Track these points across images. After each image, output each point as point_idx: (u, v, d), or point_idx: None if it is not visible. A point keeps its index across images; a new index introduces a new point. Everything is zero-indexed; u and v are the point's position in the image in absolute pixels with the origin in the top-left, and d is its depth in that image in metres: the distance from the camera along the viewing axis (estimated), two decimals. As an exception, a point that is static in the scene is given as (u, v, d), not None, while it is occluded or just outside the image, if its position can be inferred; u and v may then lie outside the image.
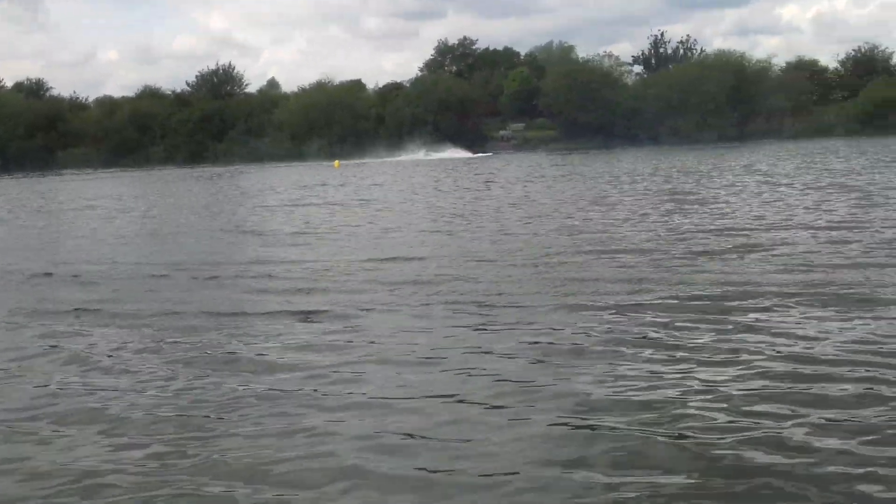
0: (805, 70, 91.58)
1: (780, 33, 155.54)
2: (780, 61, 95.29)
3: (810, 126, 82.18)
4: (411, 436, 6.07)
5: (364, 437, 6.06)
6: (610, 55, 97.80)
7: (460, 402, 6.78)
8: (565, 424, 6.17)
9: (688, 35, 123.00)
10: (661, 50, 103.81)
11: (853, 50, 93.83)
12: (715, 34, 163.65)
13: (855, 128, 78.67)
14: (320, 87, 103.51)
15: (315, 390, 7.19)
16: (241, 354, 8.48)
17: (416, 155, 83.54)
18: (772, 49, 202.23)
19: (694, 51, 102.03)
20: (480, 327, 9.31)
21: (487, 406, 6.66)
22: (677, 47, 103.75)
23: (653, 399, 6.61)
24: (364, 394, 7.04)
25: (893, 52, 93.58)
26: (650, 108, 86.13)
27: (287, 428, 6.27)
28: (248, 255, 16.41)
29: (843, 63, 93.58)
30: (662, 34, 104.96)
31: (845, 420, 5.97)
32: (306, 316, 10.12)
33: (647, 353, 7.90)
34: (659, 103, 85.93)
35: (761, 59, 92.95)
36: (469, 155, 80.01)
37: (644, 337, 8.52)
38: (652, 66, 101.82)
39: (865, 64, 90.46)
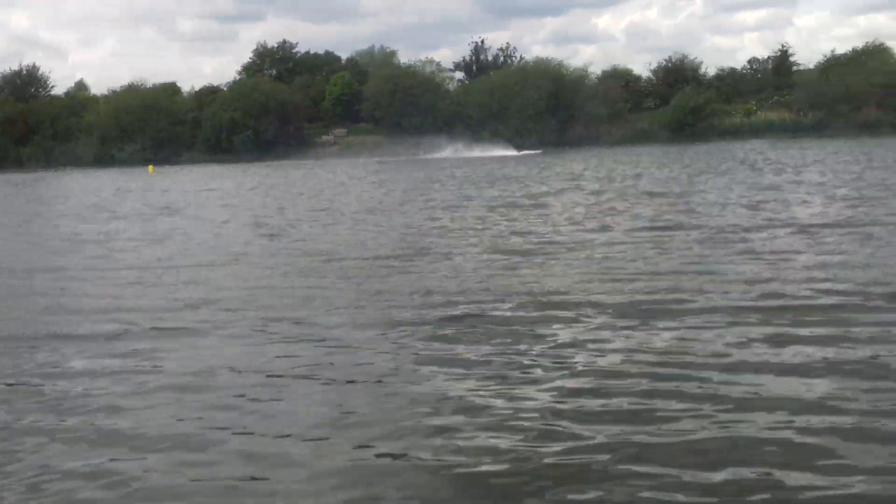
0: (620, 79, 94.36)
1: (596, 42, 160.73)
2: (596, 69, 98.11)
3: (626, 134, 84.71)
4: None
5: (134, 478, 5.32)
6: (431, 61, 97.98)
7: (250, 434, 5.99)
8: (363, 458, 5.59)
9: (507, 42, 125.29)
10: (482, 57, 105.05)
11: (664, 59, 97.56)
12: (534, 42, 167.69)
13: (666, 135, 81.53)
14: (132, 90, 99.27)
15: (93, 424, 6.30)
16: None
17: (443, 152, 79.58)
18: (589, 57, 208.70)
19: (514, 58, 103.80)
20: (286, 349, 8.45)
21: (283, 436, 5.96)
22: (497, 54, 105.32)
23: (441, 425, 6.08)
24: (140, 430, 6.22)
25: (702, 62, 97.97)
26: (471, 114, 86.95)
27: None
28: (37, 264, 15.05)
29: (654, 72, 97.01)
30: (483, 41, 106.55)
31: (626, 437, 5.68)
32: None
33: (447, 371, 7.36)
34: (480, 109, 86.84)
35: (578, 68, 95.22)
36: (515, 153, 75.94)
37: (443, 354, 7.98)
38: (473, 72, 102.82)
39: (676, 73, 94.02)
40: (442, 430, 5.99)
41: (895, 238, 14.17)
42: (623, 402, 6.44)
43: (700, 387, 6.71)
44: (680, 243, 14.63)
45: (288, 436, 6.04)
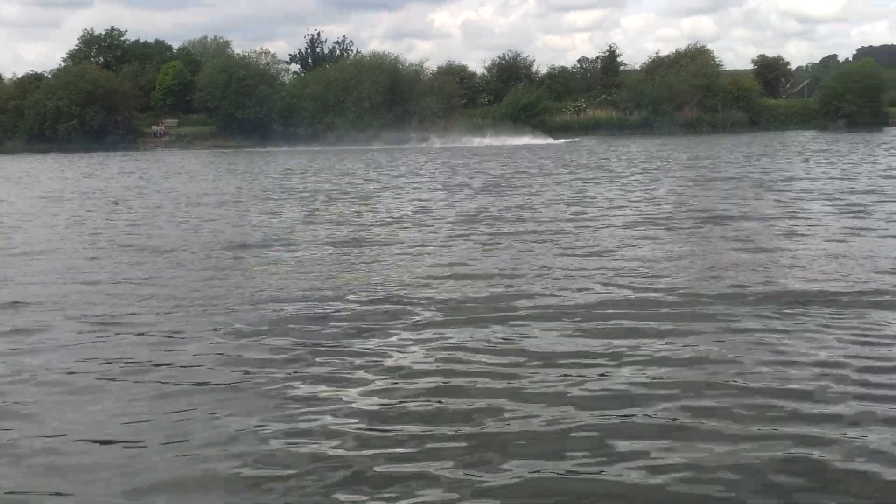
0: (455, 74, 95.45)
1: (432, 38, 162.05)
2: (432, 65, 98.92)
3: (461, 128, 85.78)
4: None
5: None
6: (266, 52, 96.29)
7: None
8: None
9: (344, 36, 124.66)
10: (318, 49, 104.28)
11: (498, 57, 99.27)
12: (371, 36, 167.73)
13: (502, 130, 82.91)
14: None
15: None
16: None
17: (475, 141, 76.04)
18: (425, 53, 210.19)
19: (350, 52, 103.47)
20: (100, 350, 8.16)
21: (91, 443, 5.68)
22: (334, 47, 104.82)
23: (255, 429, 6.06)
24: None
25: (534, 60, 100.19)
26: (307, 107, 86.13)
27: None
28: None
29: (489, 69, 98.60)
30: (319, 34, 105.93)
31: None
32: None
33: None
34: (316, 102, 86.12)
35: (414, 63, 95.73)
36: (550, 141, 74.28)
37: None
38: (309, 65, 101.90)
39: (509, 70, 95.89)
40: (256, 436, 5.98)
41: (714, 232, 14.95)
42: (427, 402, 6.59)
43: (509, 384, 6.94)
44: (503, 241, 14.94)
45: (98, 442, 5.90)
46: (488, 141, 74.81)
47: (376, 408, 6.51)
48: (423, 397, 6.70)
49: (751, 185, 25.10)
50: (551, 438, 5.82)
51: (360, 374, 7.33)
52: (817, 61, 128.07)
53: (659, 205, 20.31)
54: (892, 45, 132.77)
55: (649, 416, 6.17)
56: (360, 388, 6.95)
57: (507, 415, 6.24)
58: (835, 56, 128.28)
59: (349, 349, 8.08)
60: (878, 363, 7.19)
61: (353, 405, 6.56)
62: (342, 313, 9.60)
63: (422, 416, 6.31)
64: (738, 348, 7.73)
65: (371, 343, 8.31)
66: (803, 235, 14.64)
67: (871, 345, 7.71)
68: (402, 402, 6.61)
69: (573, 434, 5.88)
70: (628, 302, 9.75)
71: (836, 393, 6.51)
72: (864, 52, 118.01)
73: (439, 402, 6.59)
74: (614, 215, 18.49)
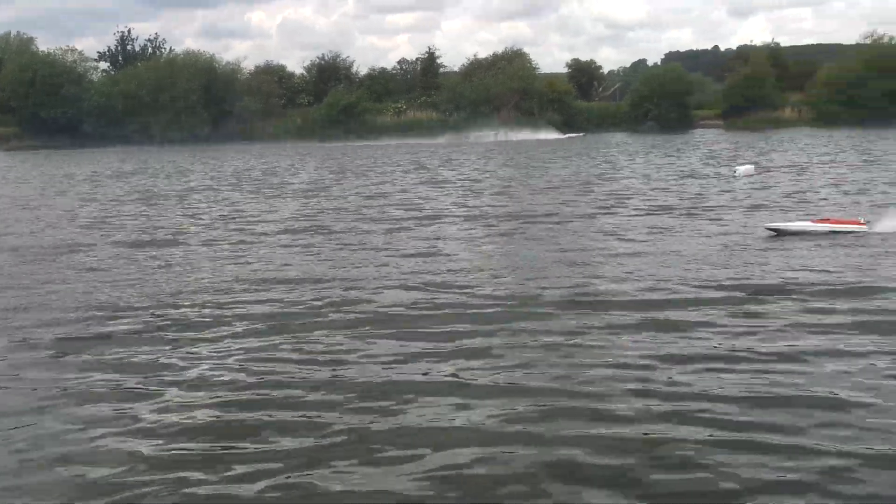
0: (273, 74, 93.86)
1: (250, 37, 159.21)
2: (249, 64, 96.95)
3: (280, 128, 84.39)
4: None
5: None
6: (73, 50, 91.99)
7: None
8: None
9: (156, 33, 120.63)
10: (129, 47, 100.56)
11: (318, 57, 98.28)
12: (185, 34, 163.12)
13: (323, 131, 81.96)
14: None
15: None
16: None
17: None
18: (243, 53, 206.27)
19: (163, 50, 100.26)
20: None
21: None
22: (146, 45, 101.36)
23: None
24: None
25: (354, 60, 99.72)
26: (119, 107, 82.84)
27: None
28: None
29: (308, 69, 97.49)
30: (130, 31, 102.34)
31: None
32: None
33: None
34: (128, 101, 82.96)
35: (231, 62, 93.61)
36: (560, 136, 73.34)
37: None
38: (119, 63, 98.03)
39: (329, 71, 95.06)
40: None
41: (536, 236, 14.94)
42: (217, 417, 6.31)
43: (313, 393, 6.69)
44: (317, 247, 14.55)
45: None
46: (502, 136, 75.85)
47: (165, 425, 6.16)
48: (217, 410, 6.42)
49: (565, 185, 25.51)
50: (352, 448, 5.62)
51: (153, 388, 6.96)
52: (628, 66, 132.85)
53: (481, 207, 20.27)
54: (697, 51, 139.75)
55: (457, 419, 6.10)
56: (150, 403, 6.54)
57: (300, 430, 6.01)
58: (644, 61, 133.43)
59: (144, 360, 7.55)
60: (663, 361, 7.25)
61: (142, 423, 6.21)
62: (136, 322, 8.99)
63: (213, 430, 6.02)
64: (528, 347, 7.60)
65: (169, 354, 7.87)
66: (612, 235, 14.83)
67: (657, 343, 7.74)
68: (193, 418, 6.30)
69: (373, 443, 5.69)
70: (439, 304, 9.57)
71: (628, 391, 6.53)
72: (672, 57, 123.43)
73: (234, 415, 6.31)
74: (431, 219, 18.30)
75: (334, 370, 7.29)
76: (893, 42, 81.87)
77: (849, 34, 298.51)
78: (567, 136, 75.31)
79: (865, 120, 72.01)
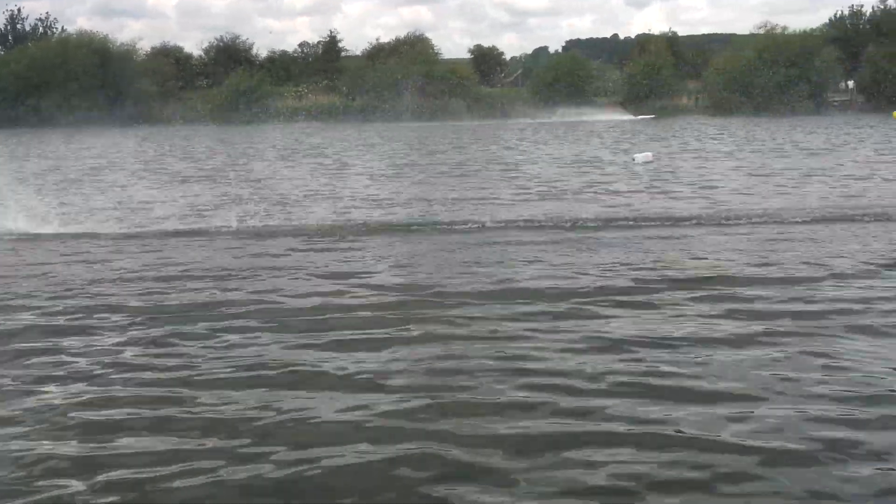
0: (170, 56, 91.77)
1: (145, 17, 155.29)
2: (145, 45, 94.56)
3: (178, 110, 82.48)
4: None
5: None
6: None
7: None
8: None
9: (48, 13, 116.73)
10: (19, 27, 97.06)
11: (216, 39, 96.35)
12: (78, 13, 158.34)
13: (220, 115, 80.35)
14: None
15: None
16: None
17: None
18: (138, 33, 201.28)
19: (55, 29, 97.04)
20: None
21: None
22: (36, 24, 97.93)
23: None
24: None
25: (254, 43, 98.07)
26: (9, 88, 79.92)
27: None
28: None
29: (206, 51, 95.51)
30: (20, 10, 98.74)
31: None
32: None
33: None
34: (18, 82, 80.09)
35: (126, 43, 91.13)
36: (631, 117, 73.26)
37: None
38: (9, 43, 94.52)
39: (227, 53, 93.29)
40: None
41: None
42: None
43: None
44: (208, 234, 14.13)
45: None
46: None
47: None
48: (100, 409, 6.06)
49: (473, 171, 25.43)
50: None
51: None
52: (529, 52, 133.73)
53: (383, 192, 20.02)
54: (597, 39, 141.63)
55: (338, 413, 5.85)
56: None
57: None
58: (546, 48, 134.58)
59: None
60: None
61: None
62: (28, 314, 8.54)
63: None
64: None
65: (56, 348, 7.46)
66: (508, 221, 14.75)
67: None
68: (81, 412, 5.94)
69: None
70: (329, 297, 9.29)
71: (513, 384, 6.39)
72: (572, 44, 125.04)
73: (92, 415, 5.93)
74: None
75: (193, 366, 7.01)
76: (786, 32, 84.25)
77: (743, 24, 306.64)
78: (639, 117, 75.34)
79: (760, 108, 74.13)
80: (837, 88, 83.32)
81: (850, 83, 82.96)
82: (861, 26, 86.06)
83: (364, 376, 6.62)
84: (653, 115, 76.29)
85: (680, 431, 5.45)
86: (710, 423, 5.55)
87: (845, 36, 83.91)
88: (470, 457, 5.14)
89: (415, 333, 7.81)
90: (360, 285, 9.92)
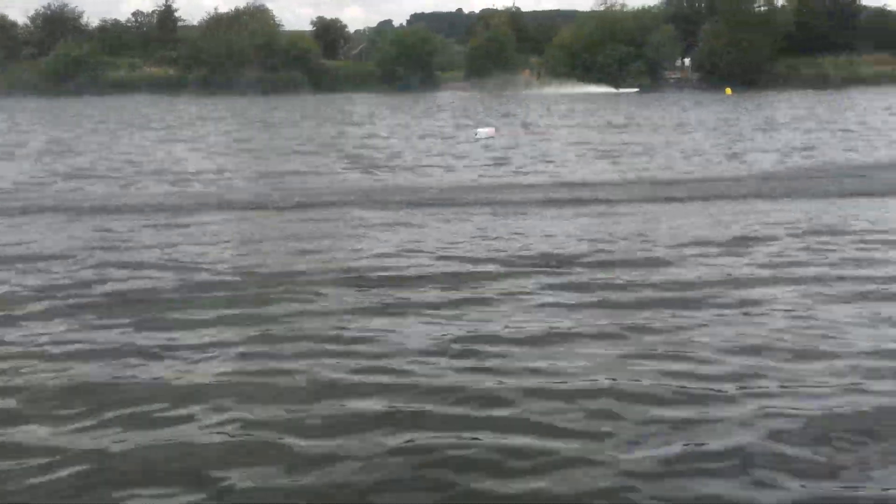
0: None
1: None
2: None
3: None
4: None
5: None
6: None
7: None
8: None
9: None
10: None
11: (43, 7, 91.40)
12: None
13: (48, 86, 76.32)
14: None
15: None
16: None
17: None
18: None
19: None
20: None
21: None
22: None
23: None
24: None
25: (84, 11, 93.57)
26: None
27: None
28: None
29: (33, 19, 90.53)
30: None
31: None
32: None
33: None
34: None
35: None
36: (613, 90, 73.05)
37: None
38: None
39: (56, 21, 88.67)
40: None
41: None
42: None
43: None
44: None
45: None
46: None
47: None
48: None
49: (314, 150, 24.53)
50: None
51: None
52: (374, 25, 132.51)
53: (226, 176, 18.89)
54: (442, 13, 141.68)
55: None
56: None
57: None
58: (390, 21, 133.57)
59: None
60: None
61: None
62: None
63: None
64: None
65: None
66: (352, 203, 14.01)
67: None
68: None
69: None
70: (184, 287, 8.47)
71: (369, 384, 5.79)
72: (417, 18, 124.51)
73: None
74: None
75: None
76: (625, 10, 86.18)
77: (587, 2, 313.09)
78: (621, 91, 74.72)
79: (600, 83, 75.81)
80: (674, 66, 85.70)
81: (687, 61, 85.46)
82: (696, 5, 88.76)
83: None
84: (636, 89, 75.64)
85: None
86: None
87: (681, 14, 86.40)
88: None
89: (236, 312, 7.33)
90: (186, 264, 9.20)
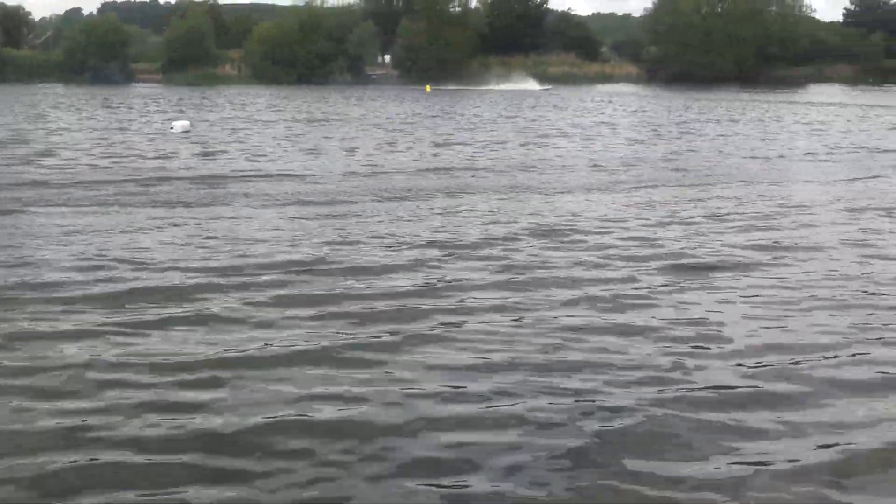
0: None
1: None
2: None
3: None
4: None
5: None
6: None
7: None
8: None
9: None
10: None
11: None
12: None
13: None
14: None
15: None
16: None
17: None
18: None
19: None
20: None
21: None
22: None
23: None
24: None
25: None
26: None
27: None
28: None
29: None
30: None
31: None
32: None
33: None
34: None
35: None
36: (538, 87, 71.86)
37: None
38: None
39: None
40: None
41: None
42: None
43: None
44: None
45: None
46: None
47: None
48: None
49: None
50: None
51: None
52: (61, 13, 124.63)
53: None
54: (135, 3, 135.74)
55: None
56: None
57: None
58: (79, 9, 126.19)
59: None
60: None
61: None
62: None
63: None
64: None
65: None
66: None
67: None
68: None
69: None
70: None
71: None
72: (109, 7, 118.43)
73: None
74: None
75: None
76: (325, 6, 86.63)
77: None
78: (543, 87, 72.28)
79: (302, 78, 75.94)
80: (376, 62, 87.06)
81: (388, 57, 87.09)
82: (395, 2, 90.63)
83: None
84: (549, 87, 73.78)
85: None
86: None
87: (380, 10, 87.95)
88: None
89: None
90: None
